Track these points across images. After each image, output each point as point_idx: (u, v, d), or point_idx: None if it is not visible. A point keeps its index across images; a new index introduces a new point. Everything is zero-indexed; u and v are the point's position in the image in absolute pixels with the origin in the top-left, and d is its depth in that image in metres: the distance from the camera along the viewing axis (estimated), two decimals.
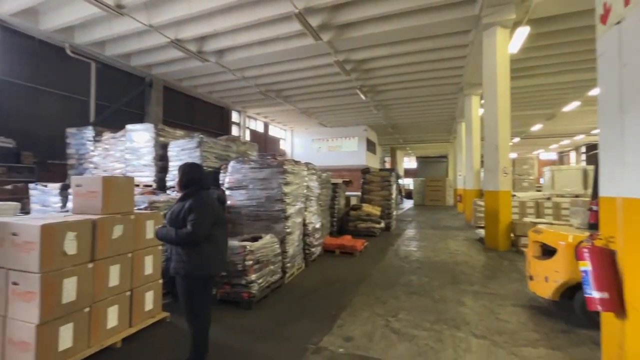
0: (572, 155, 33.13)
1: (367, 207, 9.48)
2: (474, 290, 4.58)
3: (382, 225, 9.49)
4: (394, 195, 10.79)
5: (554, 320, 3.52)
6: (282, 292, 4.53)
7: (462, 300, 4.19)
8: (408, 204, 24.48)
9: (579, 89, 13.29)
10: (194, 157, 5.64)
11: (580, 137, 25.25)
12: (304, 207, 5.98)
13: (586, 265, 2.26)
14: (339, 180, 9.44)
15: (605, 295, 2.16)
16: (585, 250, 2.29)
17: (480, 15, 7.37)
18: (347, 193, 11.20)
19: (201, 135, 5.93)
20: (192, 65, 10.71)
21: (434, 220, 13.47)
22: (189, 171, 2.65)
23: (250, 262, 3.93)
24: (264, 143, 20.28)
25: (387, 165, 33.38)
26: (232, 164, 5.45)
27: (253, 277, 3.93)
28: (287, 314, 3.78)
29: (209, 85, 13.48)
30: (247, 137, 18.52)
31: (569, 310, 3.40)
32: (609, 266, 2.19)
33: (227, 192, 5.34)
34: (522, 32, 7.69)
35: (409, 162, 43.98)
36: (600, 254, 2.23)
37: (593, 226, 3.08)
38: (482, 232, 8.29)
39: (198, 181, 2.63)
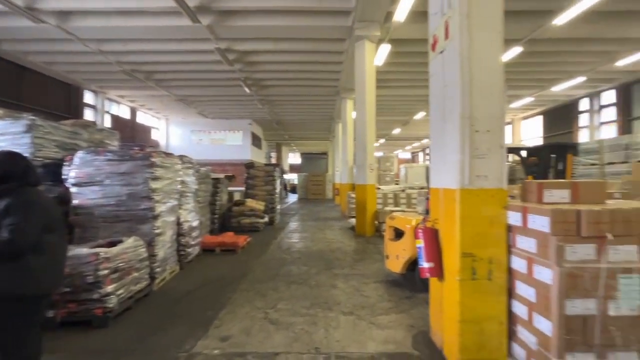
0: (421, 155, 41.00)
1: (250, 203, 9.38)
2: (345, 273, 5.14)
3: (266, 219, 9.57)
4: (278, 190, 11.01)
5: (402, 290, 4.30)
6: (150, 300, 4.02)
7: (335, 283, 4.64)
8: (293, 198, 25.46)
9: (425, 102, 16.51)
10: (20, 144, 4.33)
11: (426, 141, 31.47)
12: (178, 205, 5.43)
13: (420, 243, 2.83)
14: (221, 175, 8.99)
15: (432, 264, 2.76)
16: (420, 230, 2.87)
17: (352, 27, 8.22)
18: (231, 188, 10.80)
19: (32, 117, 4.61)
20: (19, 24, 8.20)
21: (315, 213, 14.43)
22: (2, 162, 2.02)
23: (106, 272, 3.32)
24: (131, 132, 17.46)
25: (273, 161, 33.82)
26: (80, 154, 4.46)
27: (110, 288, 3.33)
28: (155, 324, 3.38)
29: (47, 54, 10.63)
30: (108, 124, 15.53)
31: (413, 281, 4.21)
32: (434, 242, 2.80)
33: (73, 190, 4.35)
34: (385, 49, 8.99)
35: (294, 158, 45.70)
36: (429, 233, 2.83)
37: (428, 212, 3.88)
38: (354, 221, 9.37)
39: (20, 175, 2.03)
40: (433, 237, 2.81)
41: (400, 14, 7.15)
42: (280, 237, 8.31)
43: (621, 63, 10.77)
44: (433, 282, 2.96)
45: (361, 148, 8.58)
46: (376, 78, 8.79)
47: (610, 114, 14.35)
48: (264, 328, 3.25)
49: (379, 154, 25.17)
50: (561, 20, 7.85)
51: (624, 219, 2.01)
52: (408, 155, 44.40)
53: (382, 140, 30.45)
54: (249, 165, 10.52)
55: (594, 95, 15.01)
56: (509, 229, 2.48)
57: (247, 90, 13.85)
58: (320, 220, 11.83)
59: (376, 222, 8.45)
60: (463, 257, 2.46)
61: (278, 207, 11.18)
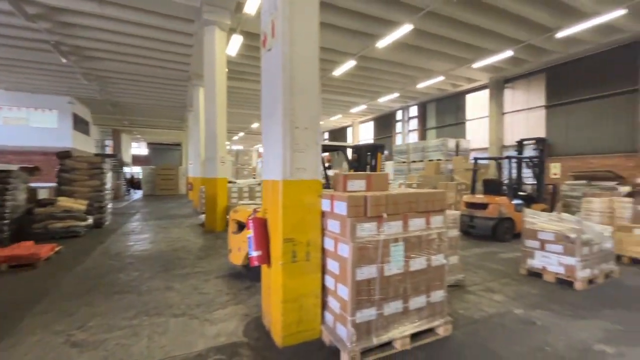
0: None
1: (65, 201, 7.44)
2: (185, 272, 4.79)
3: (90, 222, 7.83)
4: (108, 185, 9.17)
5: (243, 281, 4.36)
6: None
7: (170, 285, 4.25)
8: (138, 194, 21.90)
9: None
10: None
11: None
12: None
13: (250, 233, 2.92)
14: (13, 167, 6.73)
15: (260, 252, 2.89)
16: (250, 221, 2.95)
17: (201, 10, 7.65)
18: (36, 184, 8.29)
19: None
20: None
21: (162, 210, 12.87)
22: None
23: None
24: None
25: (110, 151, 28.05)
26: None
27: None
28: None
29: None
30: None
31: (253, 271, 4.32)
32: (263, 231, 2.94)
33: None
34: (237, 40, 8.81)
35: (140, 149, 39.36)
36: (258, 222, 2.94)
37: None
38: (204, 216, 8.85)
39: None
40: (262, 227, 2.94)
41: (250, 6, 7.15)
42: (110, 242, 6.97)
43: (420, 86, 14.30)
44: (264, 269, 3.12)
45: (211, 139, 8.17)
46: (232, 69, 8.55)
47: (415, 123, 18.90)
48: (61, 354, 2.63)
49: (239, 147, 24.75)
50: (381, 44, 9.71)
51: (394, 202, 2.65)
52: None
53: (241, 134, 30.02)
54: (63, 155, 8.28)
55: (405, 108, 19.40)
56: (323, 214, 2.87)
57: (63, 59, 10.86)
58: (166, 218, 10.62)
59: (228, 217, 8.25)
60: (285, 242, 2.69)
61: (110, 205, 9.33)
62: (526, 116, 13.08)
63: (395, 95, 15.98)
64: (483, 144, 14.55)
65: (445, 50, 10.64)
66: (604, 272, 4.38)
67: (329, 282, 2.80)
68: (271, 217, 2.90)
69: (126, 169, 26.37)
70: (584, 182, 9.85)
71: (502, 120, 13.89)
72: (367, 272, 2.54)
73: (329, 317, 2.81)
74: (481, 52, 10.86)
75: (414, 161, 15.23)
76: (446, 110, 16.98)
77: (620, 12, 7.90)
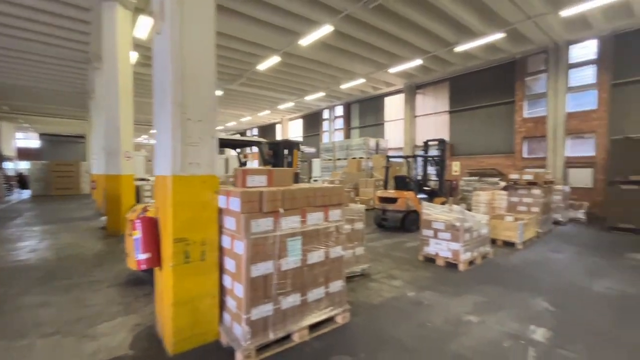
0: None
1: None
2: (70, 283, 4.15)
3: None
4: None
5: (142, 288, 3.96)
6: None
7: (47, 300, 3.63)
8: (26, 194, 18.37)
9: None
10: None
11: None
12: None
13: (137, 234, 2.65)
14: None
15: (149, 255, 2.64)
16: (137, 221, 2.67)
17: None
18: None
19: None
20: None
21: (55, 213, 11.01)
22: None
23: None
24: None
25: None
26: None
27: None
28: None
29: None
30: None
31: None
32: (153, 231, 2.69)
33: None
34: (146, 21, 7.95)
35: (29, 140, 33.11)
36: (147, 222, 2.68)
37: None
38: (106, 219, 7.83)
39: None
40: (151, 227, 2.69)
41: None
42: None
43: (344, 86, 14.92)
44: (157, 272, 2.87)
45: (113, 131, 7.24)
46: (143, 54, 7.65)
47: (341, 122, 19.67)
48: None
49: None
50: (304, 42, 9.82)
51: (291, 197, 2.68)
52: None
53: None
54: None
55: (331, 108, 20.06)
56: (220, 211, 2.75)
57: None
58: (59, 222, 9.11)
59: None
60: (176, 242, 2.50)
61: None
62: (434, 120, 14.68)
63: (321, 94, 16.39)
64: (400, 143, 15.87)
65: (364, 54, 11.26)
66: (481, 254, 5.15)
67: (227, 281, 2.70)
68: (162, 216, 2.68)
69: (8, 165, 21.89)
70: (476, 178, 11.48)
71: (415, 122, 15.35)
72: (264, 268, 2.52)
73: (226, 317, 2.72)
74: (396, 59, 11.78)
75: (339, 159, 15.90)
76: (368, 111, 18.06)
77: (500, 35, 9.38)
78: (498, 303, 3.57)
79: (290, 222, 2.67)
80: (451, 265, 4.84)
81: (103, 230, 7.65)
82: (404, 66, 12.01)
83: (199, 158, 2.61)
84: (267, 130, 27.24)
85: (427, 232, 5.15)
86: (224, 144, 5.69)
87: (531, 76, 11.37)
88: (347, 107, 19.06)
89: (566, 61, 10.36)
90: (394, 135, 16.44)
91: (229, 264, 2.65)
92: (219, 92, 15.89)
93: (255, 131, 28.85)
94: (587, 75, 10.14)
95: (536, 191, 7.13)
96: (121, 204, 7.17)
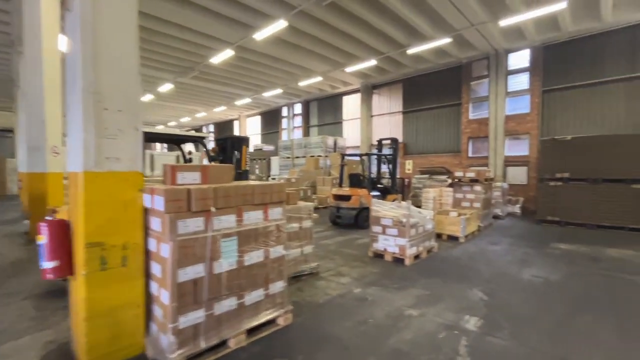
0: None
1: None
2: None
3: None
4: None
5: (64, 299, 3.52)
6: None
7: None
8: None
9: (151, 84, 15.13)
10: None
11: (161, 127, 29.37)
12: None
13: (42, 239, 2.31)
14: None
15: (57, 262, 2.32)
16: (43, 225, 2.33)
17: None
18: None
19: None
20: None
21: None
22: None
23: None
24: None
25: None
26: None
27: None
28: None
29: None
30: None
31: None
32: (62, 236, 2.37)
33: None
34: None
35: None
36: (55, 226, 2.36)
37: None
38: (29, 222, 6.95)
39: None
40: (60, 230, 2.37)
41: None
42: None
43: (302, 84, 14.81)
44: (72, 282, 2.54)
45: (37, 124, 6.43)
46: None
47: (300, 120, 19.55)
48: None
49: None
50: (259, 36, 9.54)
51: (225, 194, 2.51)
52: None
53: None
54: None
55: (290, 105, 19.86)
56: (146, 211, 2.50)
57: None
58: None
59: None
60: (89, 247, 2.22)
61: None
62: (389, 120, 15.14)
63: (279, 91, 16.13)
64: (358, 142, 16.14)
65: (320, 51, 11.24)
66: (427, 249, 5.35)
67: (153, 288, 2.47)
68: (74, 218, 2.36)
69: None
70: (427, 176, 12.03)
71: (371, 122, 15.71)
72: (193, 272, 2.33)
73: (153, 327, 2.48)
74: (351, 58, 11.92)
75: (298, 157, 15.79)
76: (327, 110, 18.14)
77: (447, 40, 9.88)
78: (438, 295, 3.70)
79: (225, 222, 2.50)
80: (398, 261, 4.96)
81: (26, 235, 6.79)
82: (359, 66, 12.20)
83: (118, 152, 2.34)
84: (224, 126, 26.27)
85: (376, 229, 5.23)
86: (155, 138, 5.28)
87: (476, 80, 12.16)
88: (306, 105, 19.00)
89: (505, 68, 11.22)
90: (352, 134, 16.69)
91: (155, 268, 2.42)
92: (169, 85, 14.95)
93: (212, 127, 27.70)
94: (523, 81, 11.07)
95: (478, 188, 7.62)
96: (47, 205, 6.39)
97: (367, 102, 15.54)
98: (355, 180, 8.46)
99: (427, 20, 9.36)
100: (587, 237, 6.74)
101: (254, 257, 2.70)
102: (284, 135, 20.32)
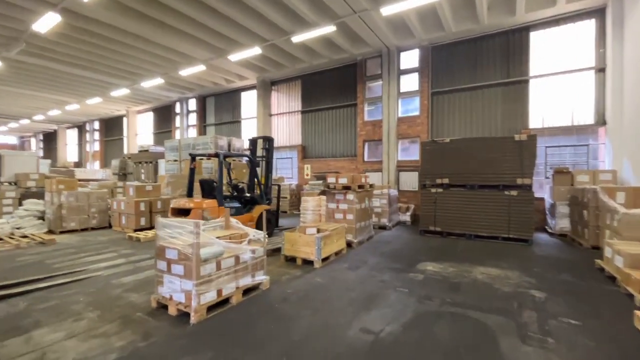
0: (34, 141, 31.09)
1: None
2: None
3: None
4: None
5: None
6: None
7: None
8: None
9: None
10: None
11: (26, 121, 23.63)
12: None
13: None
14: None
15: None
16: None
17: None
18: None
19: None
20: None
21: None
22: None
23: None
24: None
25: None
26: None
27: None
28: None
29: None
30: None
31: None
32: None
33: None
34: None
35: None
36: None
37: None
38: None
39: None
40: None
41: None
42: None
43: (184, 73, 12.48)
44: None
45: None
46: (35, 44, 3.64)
47: (194, 118, 17.02)
48: None
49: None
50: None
51: None
52: (14, 140, 32.28)
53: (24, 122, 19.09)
54: None
55: (183, 100, 17.20)
56: None
57: None
58: None
59: None
60: None
61: None
62: (288, 119, 13.71)
63: (160, 81, 13.50)
64: None
65: (194, 33, 9.22)
66: (243, 289, 3.73)
67: None
68: None
69: None
70: (320, 182, 10.78)
71: (270, 121, 14.10)
72: None
73: None
74: (233, 44, 10.15)
75: (186, 159, 13.36)
76: (225, 107, 16.03)
77: (331, 28, 8.74)
78: None
79: None
80: (184, 316, 3.22)
81: None
82: (243, 54, 10.46)
83: None
84: (112, 123, 22.16)
85: (160, 265, 3.43)
86: None
87: (370, 79, 11.40)
88: (202, 101, 16.60)
89: (398, 67, 10.62)
90: (251, 134, 14.85)
91: None
92: None
93: (97, 125, 23.21)
94: (413, 82, 10.57)
95: (350, 197, 6.41)
96: None
97: (264, 98, 13.90)
98: (208, 189, 6.61)
99: (308, 4, 8.08)
100: (461, 252, 5.95)
101: None
102: (178, 135, 17.54)
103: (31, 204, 8.02)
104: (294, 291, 3.98)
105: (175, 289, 3.29)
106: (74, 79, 13.64)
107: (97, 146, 23.44)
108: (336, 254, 5.56)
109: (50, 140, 28.39)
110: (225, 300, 3.50)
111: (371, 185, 7.29)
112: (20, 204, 8.29)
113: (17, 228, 7.36)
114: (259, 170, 7.67)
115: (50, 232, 7.79)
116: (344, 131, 12.09)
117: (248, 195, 7.25)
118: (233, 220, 4.34)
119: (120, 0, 7.65)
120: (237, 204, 6.70)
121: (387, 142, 10.58)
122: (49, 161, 16.48)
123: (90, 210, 8.39)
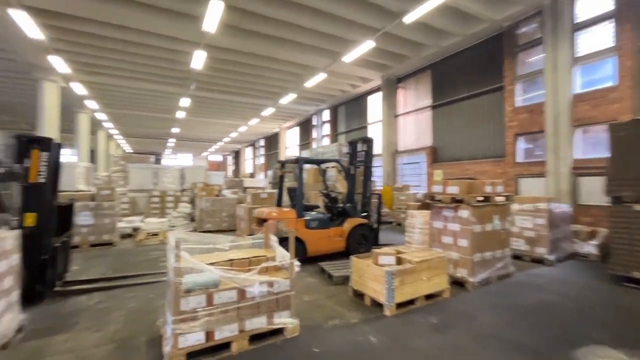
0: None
1: None
2: None
3: None
4: None
5: None
6: None
7: None
8: None
9: (168, 99, 15.46)
10: None
11: (220, 144, 31.11)
12: None
13: None
14: None
15: None
16: None
17: None
18: None
19: None
20: None
21: None
22: None
23: None
24: None
25: None
26: None
27: None
28: None
29: None
30: None
31: None
32: None
33: None
34: None
35: None
36: None
37: None
38: None
39: None
40: None
41: None
42: None
43: (309, 84, 12.83)
44: None
45: None
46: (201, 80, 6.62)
47: (328, 128, 17.48)
48: None
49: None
50: (206, 27, 8.19)
51: None
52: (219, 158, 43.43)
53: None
54: None
55: (318, 113, 18.03)
56: None
57: None
58: None
59: None
60: None
61: None
62: (416, 118, 11.85)
63: (293, 95, 14.52)
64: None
65: (304, 40, 9.27)
66: (250, 334, 2.79)
67: None
68: None
69: None
70: None
71: (396, 122, 12.63)
72: None
73: None
74: (343, 43, 9.54)
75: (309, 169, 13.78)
76: (353, 114, 15.70)
77: None
78: None
79: None
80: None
81: None
82: (357, 51, 9.65)
83: None
84: (271, 139, 26.14)
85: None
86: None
87: (524, 48, 8.21)
88: (334, 111, 16.92)
89: (571, 20, 7.15)
90: (378, 138, 13.81)
91: None
92: (186, 100, 14.98)
93: (262, 142, 27.97)
94: (602, 36, 6.79)
95: (463, 213, 4.39)
96: None
97: (389, 98, 12.60)
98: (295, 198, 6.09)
99: None
100: None
101: None
102: (315, 145, 18.55)
103: (183, 207, 9.89)
104: (325, 351, 2.73)
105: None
106: (234, 105, 16.64)
107: (262, 159, 28.21)
108: (429, 297, 3.79)
109: (237, 156, 36.56)
110: (223, 346, 2.69)
111: (508, 198, 4.86)
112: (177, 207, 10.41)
113: (172, 226, 9.17)
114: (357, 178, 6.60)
115: (194, 231, 9.34)
116: (485, 125, 9.25)
117: (340, 206, 6.29)
118: (273, 238, 3.51)
119: (236, 25, 8.42)
120: (321, 216, 5.87)
121: (552, 133, 7.22)
122: (223, 173, 20.83)
123: (222, 215, 9.59)
